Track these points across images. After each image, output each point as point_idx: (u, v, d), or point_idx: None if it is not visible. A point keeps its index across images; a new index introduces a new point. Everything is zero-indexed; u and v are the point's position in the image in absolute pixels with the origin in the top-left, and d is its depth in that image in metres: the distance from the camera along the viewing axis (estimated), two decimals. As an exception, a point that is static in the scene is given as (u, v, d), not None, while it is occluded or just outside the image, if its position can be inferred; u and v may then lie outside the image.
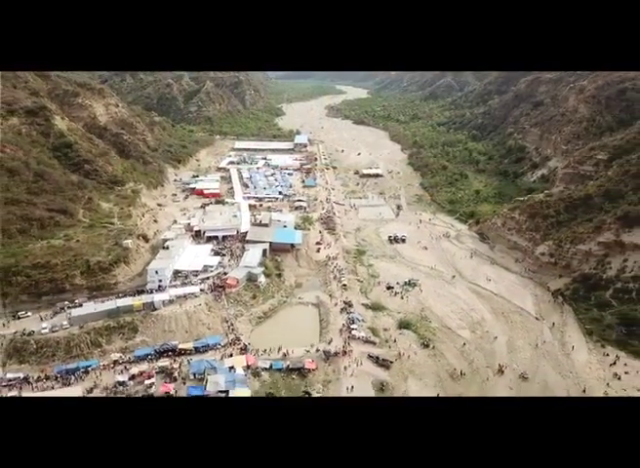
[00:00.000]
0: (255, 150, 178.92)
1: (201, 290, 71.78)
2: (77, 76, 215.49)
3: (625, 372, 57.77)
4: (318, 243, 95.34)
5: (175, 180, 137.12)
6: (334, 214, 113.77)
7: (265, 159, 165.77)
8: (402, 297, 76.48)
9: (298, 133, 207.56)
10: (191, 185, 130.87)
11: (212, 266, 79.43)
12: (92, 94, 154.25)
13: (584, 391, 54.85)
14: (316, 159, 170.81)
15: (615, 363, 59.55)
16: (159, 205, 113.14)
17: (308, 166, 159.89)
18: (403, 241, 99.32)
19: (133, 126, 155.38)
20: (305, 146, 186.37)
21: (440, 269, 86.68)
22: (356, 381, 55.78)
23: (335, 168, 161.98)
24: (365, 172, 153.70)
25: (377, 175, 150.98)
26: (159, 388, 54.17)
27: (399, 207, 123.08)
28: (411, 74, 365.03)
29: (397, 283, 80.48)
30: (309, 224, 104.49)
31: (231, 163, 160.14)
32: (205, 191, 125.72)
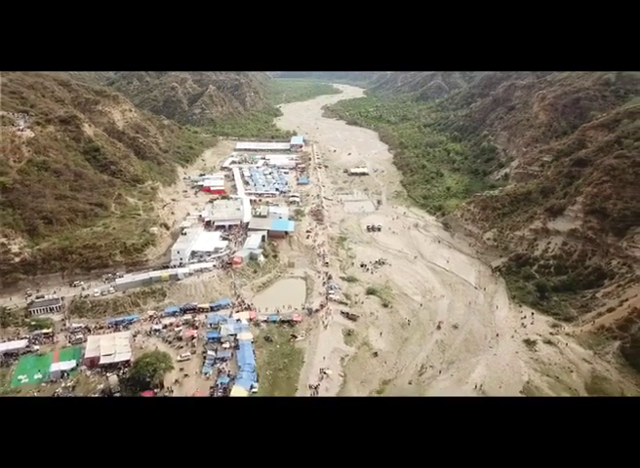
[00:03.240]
0: (254, 150, 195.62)
1: (213, 265, 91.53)
2: (85, 76, 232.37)
3: (531, 323, 77.60)
4: (308, 231, 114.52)
5: (184, 178, 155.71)
6: (322, 207, 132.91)
7: (264, 159, 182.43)
8: (372, 273, 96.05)
9: (294, 134, 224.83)
10: (199, 183, 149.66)
11: (221, 248, 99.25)
12: (109, 100, 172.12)
13: (497, 335, 74.66)
14: (310, 159, 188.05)
15: (525, 317, 79.35)
16: (173, 200, 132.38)
17: (303, 165, 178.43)
18: (379, 230, 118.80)
19: (146, 129, 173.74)
20: (301, 147, 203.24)
21: (406, 252, 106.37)
22: (330, 329, 75.58)
23: (326, 167, 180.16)
24: (353, 170, 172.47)
25: (363, 174, 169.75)
26: (185, 333, 73.88)
27: (379, 201, 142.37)
28: (404, 74, 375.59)
29: (370, 262, 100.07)
30: (301, 216, 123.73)
31: (234, 162, 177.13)
32: (212, 188, 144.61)
